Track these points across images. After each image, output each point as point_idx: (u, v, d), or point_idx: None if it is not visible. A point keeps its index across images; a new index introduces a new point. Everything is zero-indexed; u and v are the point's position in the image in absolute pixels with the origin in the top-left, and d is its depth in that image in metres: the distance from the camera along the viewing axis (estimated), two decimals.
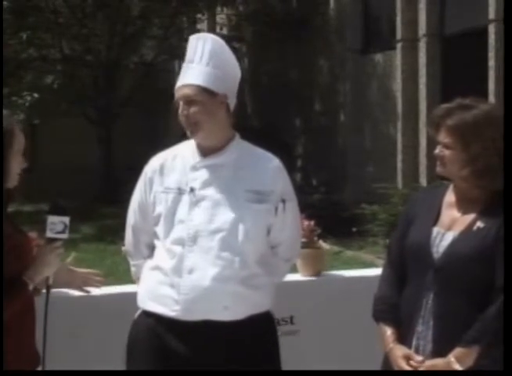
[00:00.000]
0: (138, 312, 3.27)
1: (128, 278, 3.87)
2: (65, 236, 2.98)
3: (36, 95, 15.03)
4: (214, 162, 3.21)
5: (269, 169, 3.26)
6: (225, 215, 3.12)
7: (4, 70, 13.72)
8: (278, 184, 3.24)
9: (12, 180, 2.93)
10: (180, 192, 3.18)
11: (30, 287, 2.90)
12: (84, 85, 17.24)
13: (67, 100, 16.67)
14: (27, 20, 16.00)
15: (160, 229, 3.19)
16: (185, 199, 3.16)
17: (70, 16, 16.79)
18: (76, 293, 3.65)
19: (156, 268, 3.19)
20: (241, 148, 3.28)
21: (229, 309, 3.07)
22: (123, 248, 3.77)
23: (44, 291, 3.07)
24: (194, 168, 3.21)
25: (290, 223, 3.30)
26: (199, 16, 17.98)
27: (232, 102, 3.25)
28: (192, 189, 3.16)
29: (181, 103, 3.17)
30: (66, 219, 2.98)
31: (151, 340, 3.14)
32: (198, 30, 18.03)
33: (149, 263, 3.26)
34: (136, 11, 17.05)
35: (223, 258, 3.08)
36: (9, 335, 2.84)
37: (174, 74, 21.29)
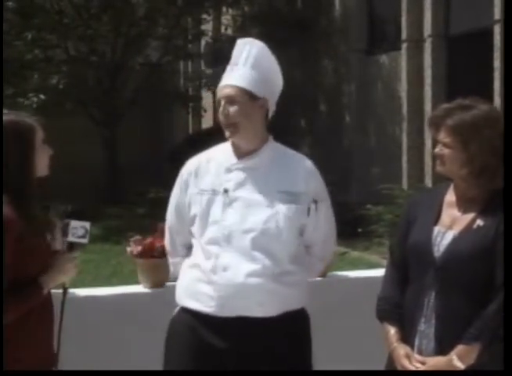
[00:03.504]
0: (177, 309, 3.32)
1: (133, 278, 3.87)
2: (85, 240, 3.05)
3: (42, 96, 15.03)
4: (248, 164, 3.27)
5: (301, 170, 3.33)
6: (258, 216, 3.19)
7: (8, 70, 13.73)
8: (310, 185, 3.30)
9: (42, 170, 3.02)
10: (214, 193, 3.25)
11: (45, 291, 2.91)
12: (89, 86, 17.25)
13: (72, 101, 16.69)
14: (31, 21, 15.99)
15: (195, 230, 3.27)
16: (219, 200, 3.23)
17: (76, 16, 16.79)
18: (79, 293, 3.66)
19: (194, 266, 3.26)
20: (274, 150, 3.35)
21: (263, 306, 3.15)
22: (128, 249, 3.78)
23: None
24: (228, 170, 3.28)
25: (322, 224, 3.36)
26: (204, 16, 17.97)
27: (272, 108, 3.35)
28: (226, 191, 3.23)
29: (222, 103, 3.24)
30: (87, 225, 3.05)
31: (188, 335, 3.20)
32: (203, 31, 18.06)
33: (188, 261, 3.32)
34: (141, 11, 17.05)
35: (255, 257, 3.15)
36: (27, 335, 2.87)
37: (179, 75, 21.34)
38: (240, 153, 3.29)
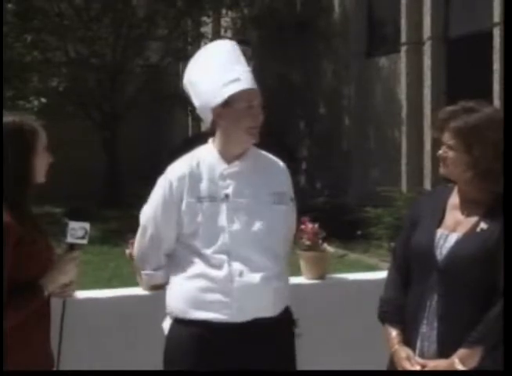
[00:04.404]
0: (169, 324, 3.28)
1: (133, 280, 3.87)
2: (85, 241, 3.03)
3: (44, 99, 15.04)
4: (239, 168, 3.29)
5: (281, 171, 3.41)
6: (261, 220, 3.23)
7: (8, 72, 13.72)
8: (288, 184, 3.40)
9: (40, 176, 3.00)
10: (213, 199, 3.23)
11: (45, 293, 2.91)
12: (89, 88, 17.25)
13: (72, 103, 16.69)
14: (31, 23, 16.00)
15: (198, 239, 3.22)
16: (222, 207, 3.23)
17: (75, 18, 16.80)
18: (79, 295, 3.66)
19: (197, 276, 3.20)
20: (255, 153, 3.38)
21: (275, 305, 3.22)
22: (127, 251, 3.77)
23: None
24: (222, 175, 3.27)
25: (295, 220, 3.46)
26: (204, 18, 17.98)
27: None
28: (226, 197, 3.23)
29: (255, 107, 3.27)
30: (87, 225, 3.04)
31: (197, 346, 3.17)
32: (202, 33, 18.06)
33: (183, 273, 3.25)
34: (141, 13, 17.06)
35: (265, 259, 3.19)
36: (22, 338, 2.87)
37: (179, 77, 21.34)
38: (229, 157, 3.30)
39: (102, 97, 17.06)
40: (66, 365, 3.17)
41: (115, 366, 3.61)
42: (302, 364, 3.53)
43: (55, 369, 3.06)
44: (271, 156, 3.45)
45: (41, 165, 2.98)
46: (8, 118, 2.92)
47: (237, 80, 3.24)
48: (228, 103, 3.24)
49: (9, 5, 15.29)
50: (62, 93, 16.30)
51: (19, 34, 15.84)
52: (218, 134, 3.33)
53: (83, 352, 3.58)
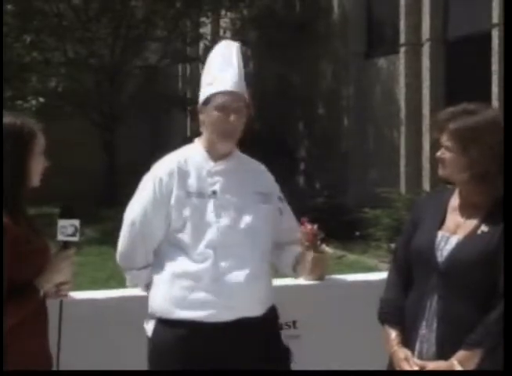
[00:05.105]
0: (152, 325, 3.27)
1: None
2: (76, 238, 3.03)
3: (42, 99, 15.04)
4: (226, 167, 3.31)
5: (263, 172, 3.47)
6: (247, 216, 3.25)
7: (8, 72, 13.73)
8: (272, 185, 3.44)
9: (35, 179, 2.99)
10: (201, 196, 3.25)
11: (41, 293, 2.91)
12: (87, 88, 17.25)
13: (71, 103, 16.70)
14: (30, 23, 16.02)
15: (186, 235, 3.22)
16: (210, 203, 3.24)
17: (74, 19, 16.81)
18: (77, 296, 3.66)
19: (182, 274, 3.20)
20: (238, 155, 3.42)
21: (262, 304, 3.24)
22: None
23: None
24: (210, 173, 3.29)
25: (294, 222, 3.51)
26: (203, 19, 17.98)
27: None
28: (214, 193, 3.25)
29: (229, 111, 3.23)
30: (76, 222, 3.03)
31: (184, 348, 3.16)
32: (201, 34, 18.06)
33: (167, 272, 3.24)
34: (140, 14, 17.06)
35: (253, 257, 3.21)
36: (21, 338, 2.86)
37: (178, 78, 21.35)
38: (215, 156, 3.32)
39: (101, 98, 17.05)
40: (64, 365, 3.17)
41: (113, 367, 3.61)
42: (302, 364, 3.53)
43: (54, 369, 3.05)
44: (252, 159, 3.48)
45: (37, 168, 2.98)
46: (8, 119, 2.92)
47: (220, 81, 3.26)
48: (206, 103, 3.27)
49: (9, 6, 15.31)
50: (60, 93, 16.30)
51: (19, 35, 15.86)
52: (203, 133, 3.36)
53: (81, 353, 3.58)
